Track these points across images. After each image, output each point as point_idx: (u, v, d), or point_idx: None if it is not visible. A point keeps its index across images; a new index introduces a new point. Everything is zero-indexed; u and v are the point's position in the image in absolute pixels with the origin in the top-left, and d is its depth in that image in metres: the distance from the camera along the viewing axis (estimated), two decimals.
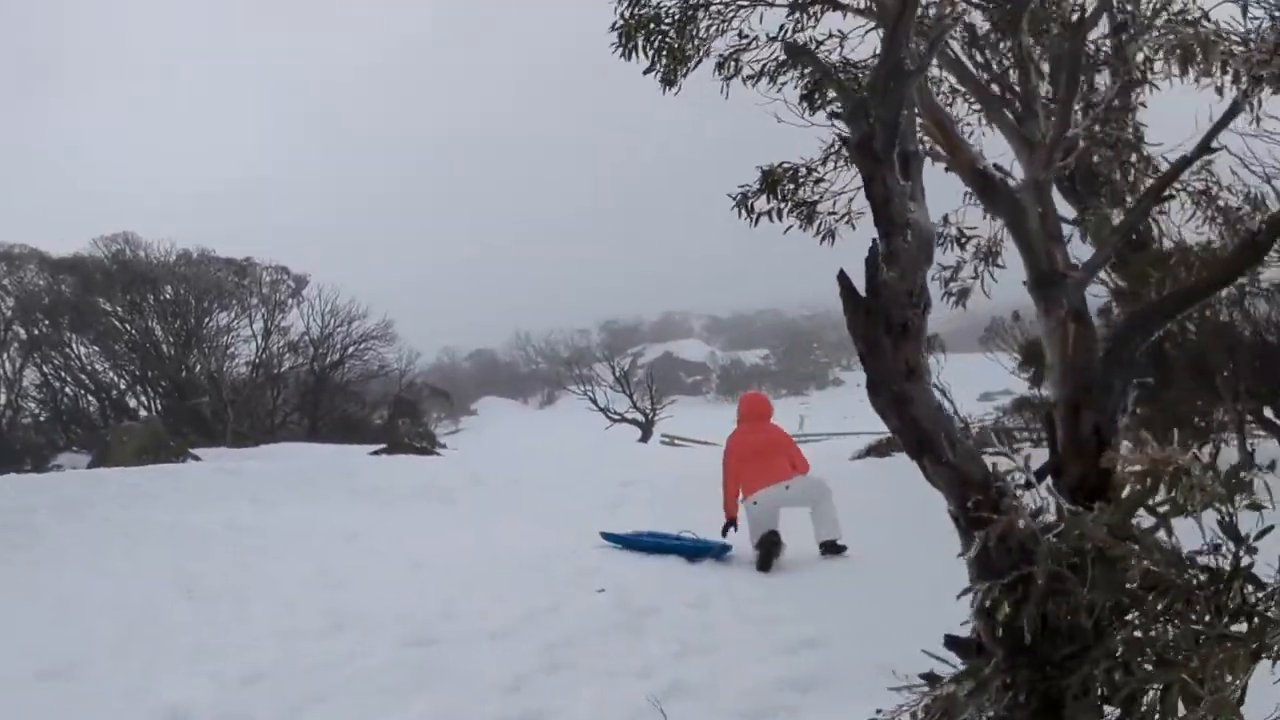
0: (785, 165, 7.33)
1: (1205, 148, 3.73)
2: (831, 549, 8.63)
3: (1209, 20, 5.06)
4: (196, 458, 25.10)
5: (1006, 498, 2.66)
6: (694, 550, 8.66)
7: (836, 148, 7.07)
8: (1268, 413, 14.86)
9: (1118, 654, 2.33)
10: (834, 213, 7.35)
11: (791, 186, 7.20)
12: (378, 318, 38.97)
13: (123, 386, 36.60)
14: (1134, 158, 6.30)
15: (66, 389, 34.40)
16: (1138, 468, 2.45)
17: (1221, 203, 6.58)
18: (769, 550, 8.32)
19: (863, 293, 2.81)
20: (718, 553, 8.63)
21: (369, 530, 9.53)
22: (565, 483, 12.86)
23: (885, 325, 2.74)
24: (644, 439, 40.50)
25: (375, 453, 19.20)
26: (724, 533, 8.90)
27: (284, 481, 13.28)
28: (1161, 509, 2.46)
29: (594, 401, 44.01)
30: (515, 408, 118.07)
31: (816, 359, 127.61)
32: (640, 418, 42.56)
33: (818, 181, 7.31)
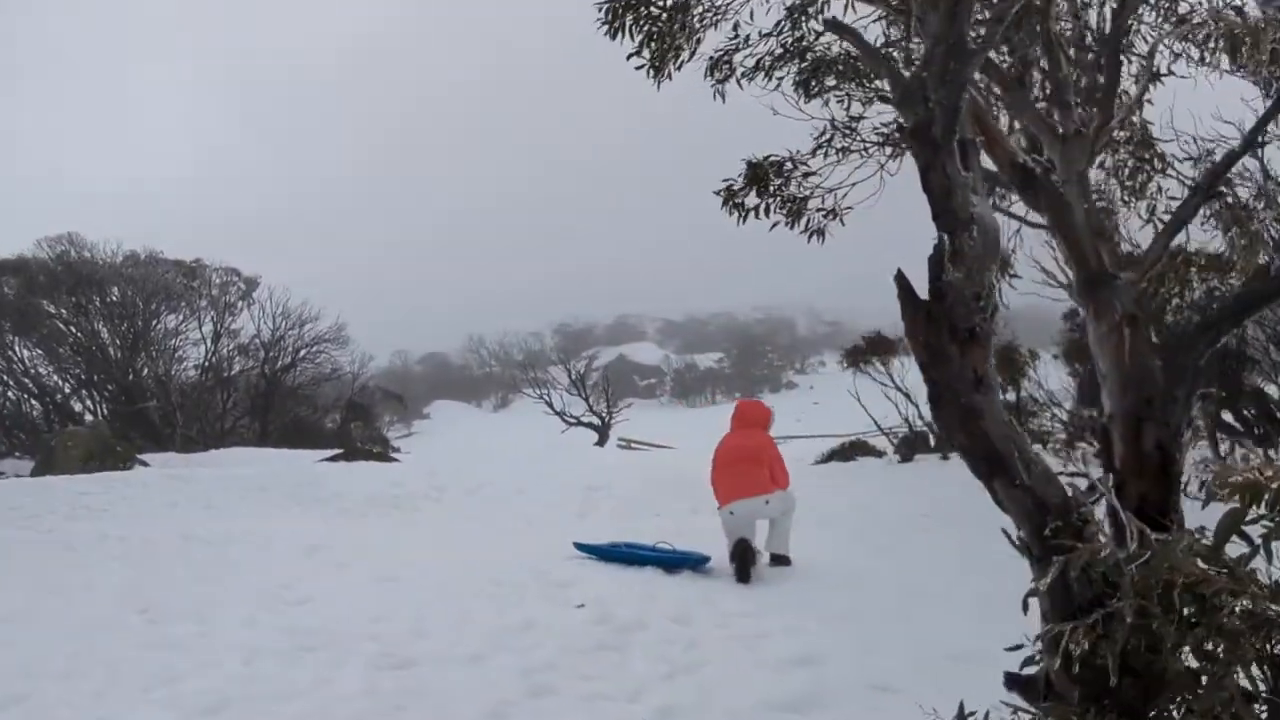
0: (771, 158, 7.01)
1: (1251, 142, 3.50)
2: (780, 561, 8.51)
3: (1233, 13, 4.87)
4: (144, 464, 24.47)
5: (1090, 525, 2.37)
6: (671, 561, 8.34)
7: (828, 137, 6.78)
8: (1227, 416, 14.93)
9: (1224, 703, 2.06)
10: (823, 209, 7.06)
11: (779, 181, 6.89)
12: (330, 320, 38.41)
13: (67, 390, 35.77)
14: (1146, 154, 6.10)
15: (9, 393, 33.48)
16: (1238, 480, 2.18)
17: (1229, 200, 6.40)
18: (744, 560, 8.07)
19: (924, 295, 2.51)
20: (696, 564, 8.31)
21: (329, 541, 9.11)
22: (528, 489, 12.44)
23: (950, 331, 2.44)
24: (600, 443, 40.10)
25: (332, 458, 18.64)
26: None
27: (239, 489, 12.82)
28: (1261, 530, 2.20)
29: (550, 405, 43.51)
30: (469, 411, 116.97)
31: (770, 362, 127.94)
32: (597, 421, 42.15)
33: (806, 175, 7.01)
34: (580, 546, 8.83)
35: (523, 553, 8.84)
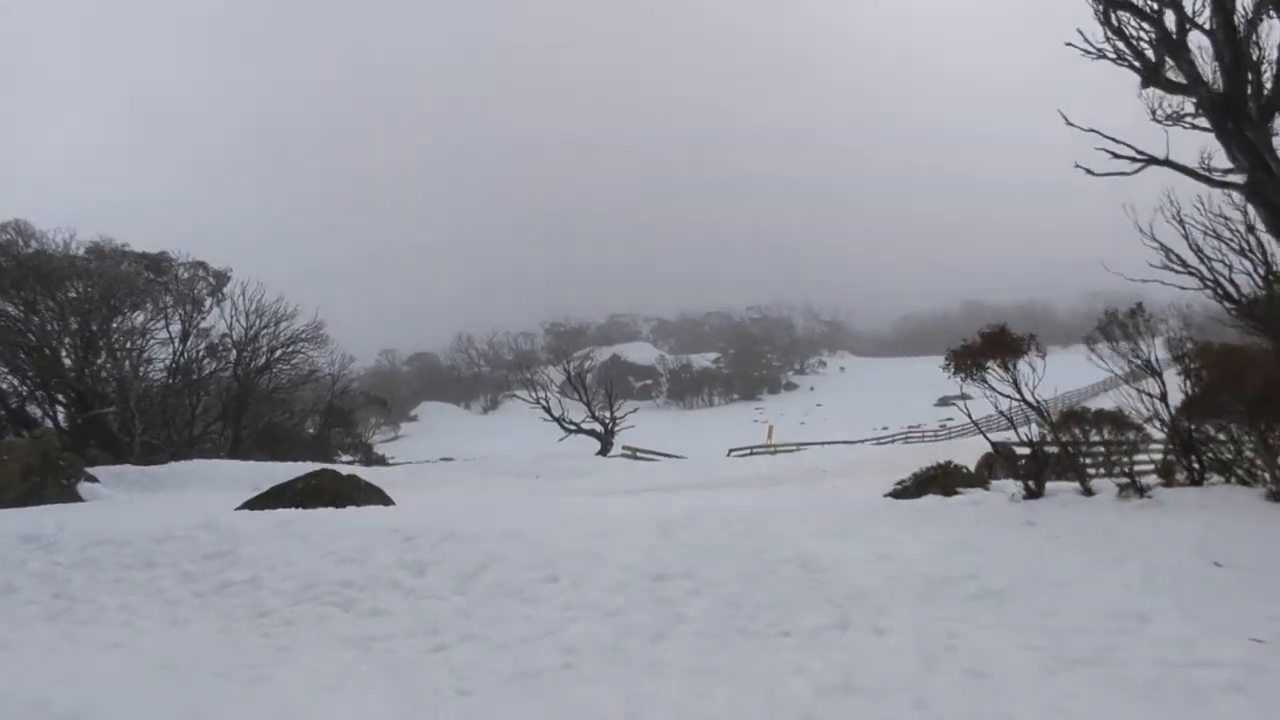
0: None
1: None
2: None
3: None
4: (93, 478, 20.46)
5: None
6: None
7: None
8: None
9: None
10: None
11: None
12: (308, 317, 34.33)
13: (24, 394, 31.54)
14: None
15: None
16: None
17: None
18: None
19: None
20: None
21: None
22: (560, 573, 7.43)
23: None
24: (604, 451, 35.75)
25: (299, 494, 13.67)
26: None
27: (115, 567, 7.99)
28: None
29: (548, 411, 38.86)
30: (458, 413, 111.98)
31: (769, 362, 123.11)
32: (599, 428, 37.58)
33: None
34: None
35: None
